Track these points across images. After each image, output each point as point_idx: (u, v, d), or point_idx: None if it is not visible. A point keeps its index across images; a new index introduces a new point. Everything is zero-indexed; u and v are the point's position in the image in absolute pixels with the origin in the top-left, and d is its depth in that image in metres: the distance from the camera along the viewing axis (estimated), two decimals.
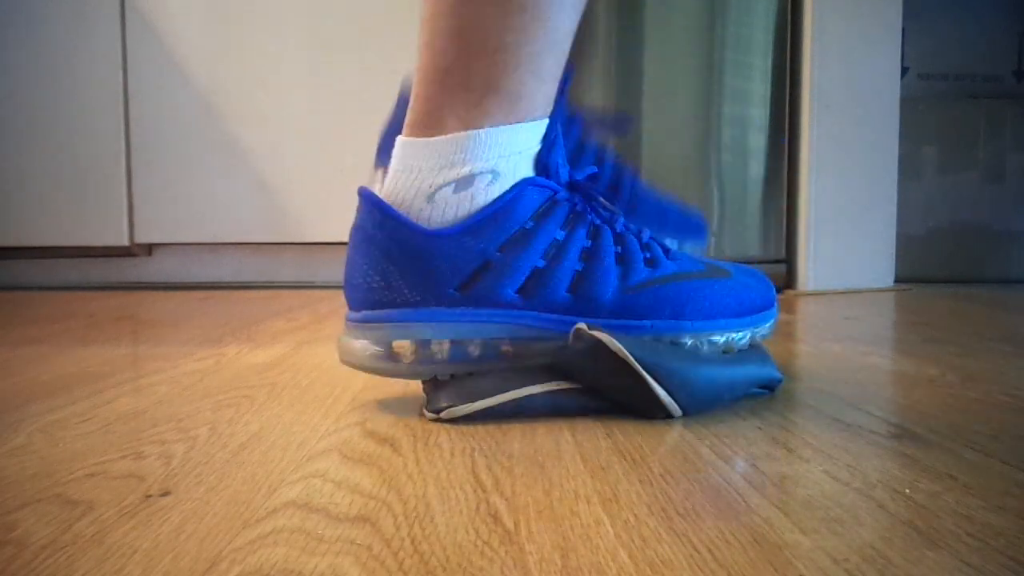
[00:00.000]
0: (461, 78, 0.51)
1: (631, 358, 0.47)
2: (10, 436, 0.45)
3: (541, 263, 0.50)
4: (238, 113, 1.52)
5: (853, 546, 0.29)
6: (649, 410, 0.49)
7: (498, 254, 0.49)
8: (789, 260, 1.49)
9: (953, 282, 1.65)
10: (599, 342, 0.47)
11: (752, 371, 0.53)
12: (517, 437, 0.45)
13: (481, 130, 0.50)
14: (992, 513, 0.32)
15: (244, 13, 1.51)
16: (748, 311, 0.54)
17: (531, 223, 0.50)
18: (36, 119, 1.51)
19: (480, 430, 0.46)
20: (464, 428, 0.47)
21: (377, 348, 0.50)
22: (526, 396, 0.49)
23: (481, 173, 0.50)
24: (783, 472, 0.38)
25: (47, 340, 0.84)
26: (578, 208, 0.52)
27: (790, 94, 1.47)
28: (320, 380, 0.61)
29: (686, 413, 0.49)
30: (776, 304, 0.57)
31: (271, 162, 1.53)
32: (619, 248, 0.52)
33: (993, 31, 1.72)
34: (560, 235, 0.51)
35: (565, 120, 0.65)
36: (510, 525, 0.31)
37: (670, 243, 0.60)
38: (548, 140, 0.52)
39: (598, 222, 0.53)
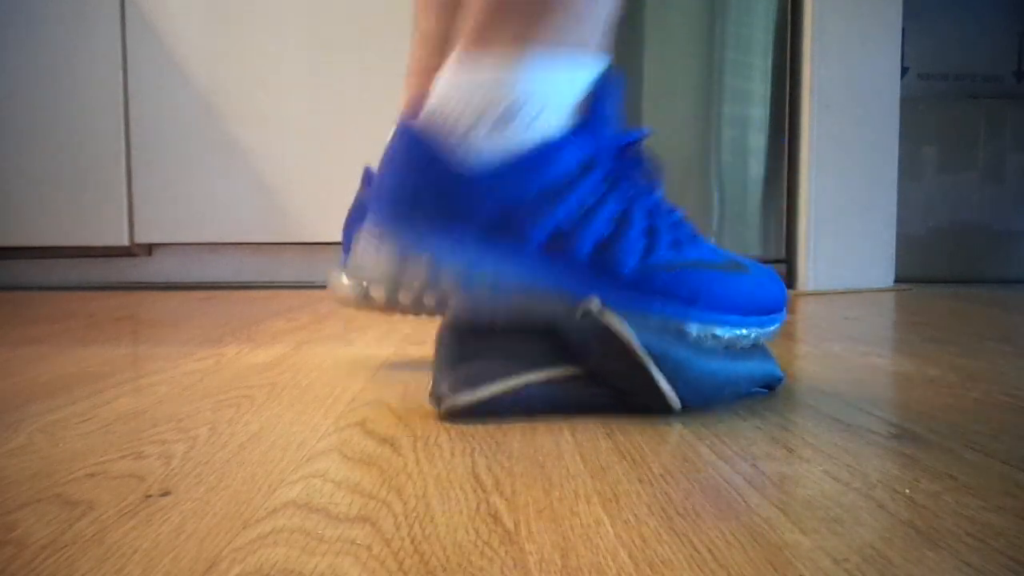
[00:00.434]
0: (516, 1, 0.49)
1: (636, 344, 0.47)
2: (10, 436, 0.45)
3: (568, 220, 0.49)
4: (238, 113, 1.52)
5: (853, 546, 0.29)
6: (648, 398, 0.48)
7: (528, 199, 0.48)
8: (789, 260, 1.49)
9: (953, 282, 1.65)
10: (604, 325, 0.47)
11: (754, 368, 0.53)
12: (517, 437, 0.45)
13: (527, 55, 0.48)
14: (992, 513, 0.32)
15: (244, 13, 1.51)
16: (757, 310, 0.53)
17: (567, 179, 0.49)
18: (36, 119, 1.51)
19: (480, 430, 0.46)
20: (464, 428, 0.47)
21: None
22: (525, 385, 0.49)
23: (522, 108, 0.48)
24: (783, 472, 0.38)
25: (47, 340, 0.84)
26: (618, 172, 0.51)
27: (790, 94, 1.47)
28: (320, 380, 0.61)
29: (685, 405, 0.49)
30: (785, 307, 0.56)
31: (271, 162, 1.53)
32: (649, 222, 0.51)
33: (993, 31, 1.72)
34: (593, 198, 0.50)
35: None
36: (510, 525, 0.31)
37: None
38: (603, 90, 0.50)
39: (634, 191, 0.52)
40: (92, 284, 1.59)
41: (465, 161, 0.48)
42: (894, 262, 1.49)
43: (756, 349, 0.54)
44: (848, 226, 1.46)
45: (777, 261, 1.48)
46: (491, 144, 0.48)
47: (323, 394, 0.56)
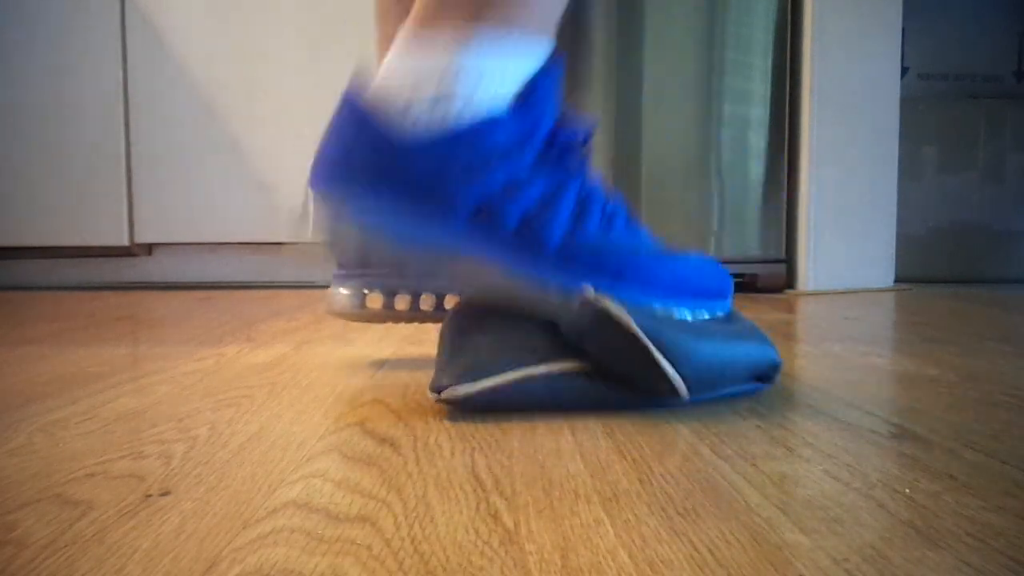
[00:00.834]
0: None
1: (634, 326, 0.47)
2: (10, 436, 0.45)
3: (498, 188, 0.50)
4: (238, 113, 1.52)
5: (853, 546, 0.29)
6: (653, 384, 0.48)
7: (457, 171, 0.50)
8: (789, 260, 1.49)
9: (953, 282, 1.65)
10: (604, 311, 0.47)
11: (752, 351, 0.53)
12: (517, 437, 0.45)
13: (470, 35, 0.50)
14: (992, 513, 0.32)
15: (244, 13, 1.51)
16: (690, 293, 0.53)
17: (498, 152, 0.51)
18: (36, 119, 1.51)
19: (480, 430, 0.46)
20: (464, 428, 0.47)
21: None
22: (526, 377, 0.49)
23: (460, 89, 0.50)
24: (783, 472, 0.38)
25: (47, 340, 0.84)
26: (553, 154, 0.53)
27: (790, 94, 1.47)
28: (320, 380, 0.61)
29: (690, 389, 0.49)
30: (730, 299, 0.56)
31: (271, 162, 1.53)
32: (580, 203, 0.53)
33: (993, 31, 1.72)
34: (524, 175, 0.51)
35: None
36: (510, 525, 0.31)
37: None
38: (542, 73, 0.52)
39: (565, 174, 0.53)
40: (92, 284, 1.59)
41: (401, 131, 0.50)
42: (894, 262, 1.50)
43: (754, 331, 0.54)
44: (848, 226, 1.46)
45: (777, 261, 1.48)
46: (427, 117, 0.50)
47: (323, 394, 0.56)
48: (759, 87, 1.46)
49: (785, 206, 1.48)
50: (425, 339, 0.83)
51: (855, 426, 0.47)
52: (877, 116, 1.46)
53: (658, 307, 0.52)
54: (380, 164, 0.51)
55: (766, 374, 0.55)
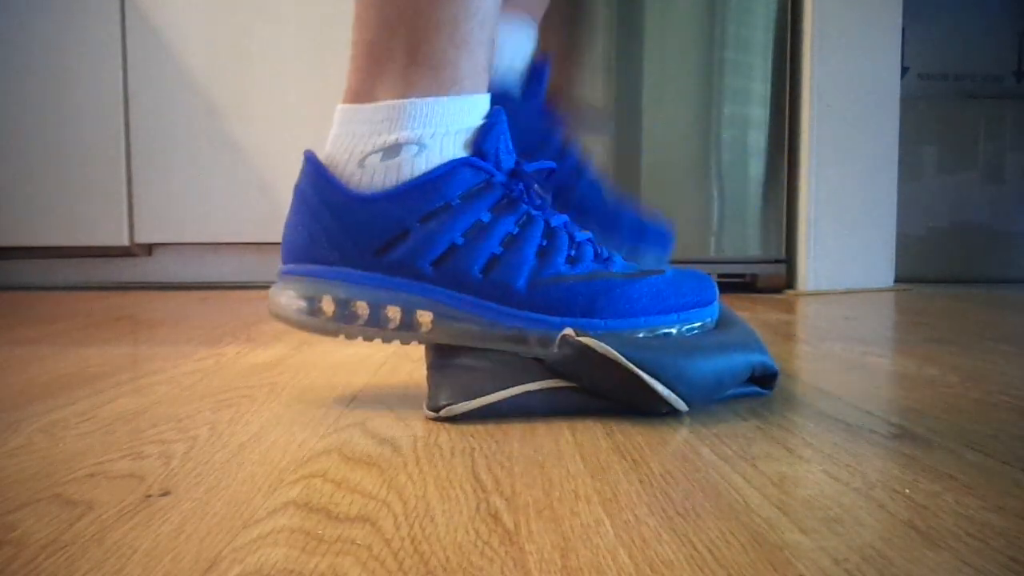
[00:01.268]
0: (386, 48, 0.52)
1: (621, 358, 0.47)
2: (10, 436, 0.45)
3: (460, 240, 0.51)
4: (238, 113, 1.52)
5: (853, 546, 0.29)
6: (651, 406, 0.49)
7: (418, 225, 0.51)
8: (789, 260, 1.49)
9: (953, 282, 1.65)
10: (586, 346, 0.48)
11: (746, 358, 0.52)
12: (517, 437, 0.45)
13: (407, 100, 0.52)
14: (992, 513, 0.32)
15: (245, 13, 1.51)
16: (672, 308, 0.53)
17: (458, 201, 0.51)
18: (36, 119, 1.51)
19: (480, 430, 0.46)
20: (464, 428, 0.47)
21: (300, 302, 0.53)
22: (524, 393, 0.49)
23: (408, 143, 0.51)
24: (783, 472, 0.38)
25: (47, 340, 0.84)
26: (514, 195, 0.53)
27: (790, 94, 1.47)
28: (320, 380, 0.61)
29: (690, 404, 0.49)
30: (715, 304, 0.56)
31: (271, 162, 1.53)
32: (545, 241, 0.53)
33: (993, 31, 1.72)
34: (486, 217, 0.51)
35: (542, 114, 0.65)
36: (510, 525, 0.31)
37: (625, 249, 0.61)
38: (486, 125, 0.53)
39: (533, 213, 0.53)
40: (92, 284, 1.59)
41: (356, 194, 0.51)
42: (894, 262, 1.49)
43: (747, 340, 0.54)
44: (848, 226, 1.46)
45: (777, 261, 1.48)
46: (380, 175, 0.51)
47: (323, 394, 0.56)
48: (759, 87, 1.46)
49: (785, 206, 1.48)
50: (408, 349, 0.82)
51: (855, 426, 0.47)
52: (877, 116, 1.46)
53: (642, 329, 0.52)
54: (341, 230, 0.51)
55: (763, 381, 0.55)
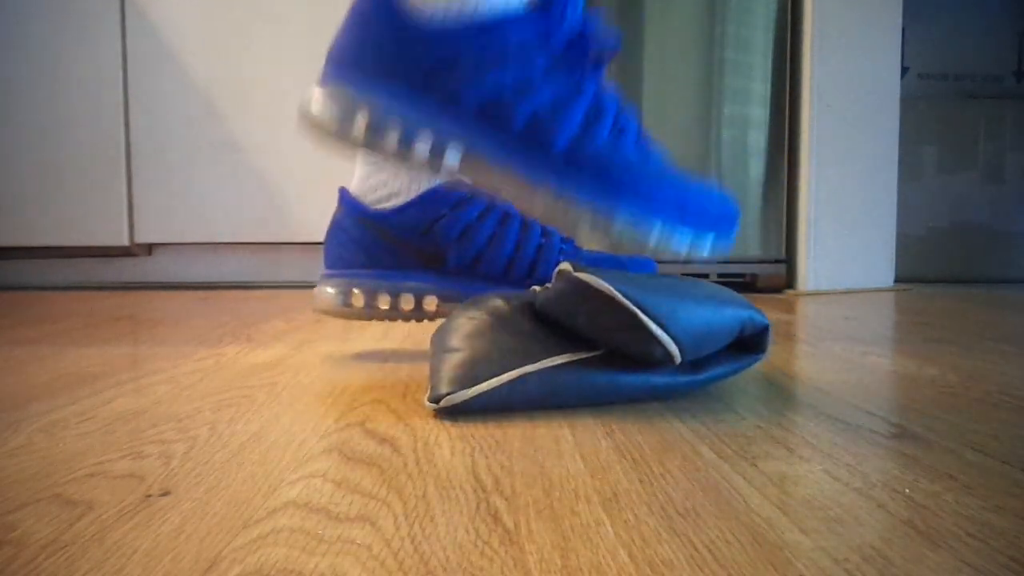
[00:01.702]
0: None
1: (617, 294, 0.47)
2: (10, 436, 0.45)
3: (509, 90, 0.50)
4: (239, 113, 1.52)
5: (853, 546, 0.29)
6: (645, 348, 0.48)
7: (469, 60, 0.50)
8: (789, 260, 1.49)
9: (953, 282, 1.65)
10: (583, 281, 0.48)
11: (737, 312, 0.52)
12: (517, 437, 0.45)
13: None
14: (992, 513, 0.32)
15: (245, 13, 1.51)
16: (693, 216, 0.53)
17: (513, 47, 0.50)
18: (36, 119, 1.51)
19: (480, 430, 0.46)
20: (464, 428, 0.47)
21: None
22: (520, 377, 0.49)
23: None
24: (783, 472, 0.38)
25: (47, 340, 0.84)
26: (570, 56, 0.52)
27: (790, 94, 1.47)
28: (320, 380, 0.61)
29: (682, 352, 0.48)
30: (733, 232, 0.56)
31: (271, 162, 1.53)
32: (593, 106, 0.52)
33: (993, 31, 1.72)
34: (538, 72, 0.51)
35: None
36: (510, 525, 0.31)
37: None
38: None
39: (582, 78, 0.53)
40: (92, 284, 1.59)
41: (417, 20, 0.51)
42: (894, 262, 1.50)
43: (736, 298, 0.53)
44: (848, 226, 1.46)
45: (777, 261, 1.48)
46: (444, 7, 0.50)
47: (323, 394, 0.56)
48: (759, 87, 1.46)
49: (785, 206, 1.48)
50: (425, 339, 0.83)
51: (855, 426, 0.47)
52: (877, 116, 1.46)
53: (658, 227, 0.52)
54: (394, 52, 0.51)
55: (755, 337, 0.53)
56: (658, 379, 0.51)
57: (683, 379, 0.51)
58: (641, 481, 0.37)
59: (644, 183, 0.51)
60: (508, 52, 0.50)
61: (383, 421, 0.48)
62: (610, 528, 0.31)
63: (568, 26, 0.52)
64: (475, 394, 0.48)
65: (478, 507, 0.33)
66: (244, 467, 0.39)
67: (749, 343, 0.54)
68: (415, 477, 0.38)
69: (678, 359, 0.49)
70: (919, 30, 1.69)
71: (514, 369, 0.49)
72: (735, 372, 0.54)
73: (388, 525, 0.31)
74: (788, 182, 1.48)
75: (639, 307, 0.47)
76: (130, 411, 0.51)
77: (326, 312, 0.69)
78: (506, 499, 0.34)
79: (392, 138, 0.51)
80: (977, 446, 0.42)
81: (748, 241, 1.48)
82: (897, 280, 1.51)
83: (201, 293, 1.45)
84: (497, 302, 0.55)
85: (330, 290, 0.68)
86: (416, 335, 0.86)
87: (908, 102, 1.57)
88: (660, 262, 0.69)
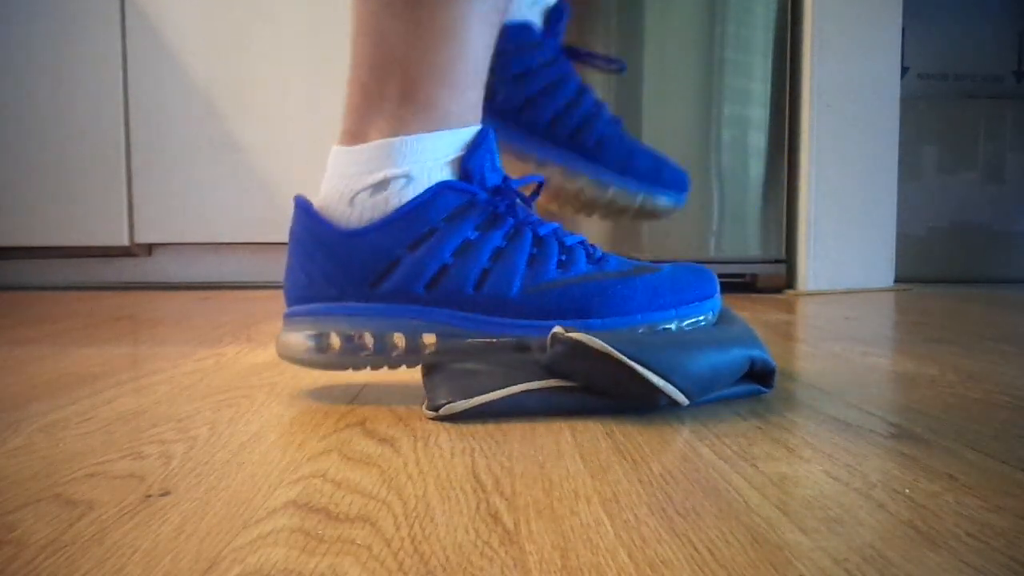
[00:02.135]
0: (378, 90, 0.54)
1: (612, 350, 0.47)
2: (10, 436, 0.45)
3: (450, 261, 0.52)
4: (239, 113, 1.52)
5: (853, 546, 0.29)
6: (648, 399, 0.48)
7: (407, 252, 0.52)
8: (789, 260, 1.49)
9: (953, 282, 1.65)
10: (578, 343, 0.48)
11: (744, 352, 0.52)
12: (517, 437, 0.45)
13: (396, 139, 0.53)
14: (992, 513, 0.32)
15: (244, 13, 1.51)
16: (670, 304, 0.54)
17: (443, 224, 0.52)
18: (36, 119, 1.51)
19: (480, 430, 0.46)
20: (464, 428, 0.47)
21: (308, 341, 0.54)
22: (523, 392, 0.49)
23: (395, 177, 0.53)
24: (783, 472, 0.38)
25: (47, 340, 0.84)
26: (499, 211, 0.54)
27: (790, 94, 1.47)
28: (320, 380, 0.61)
29: (689, 397, 0.48)
30: (716, 298, 0.57)
31: (271, 162, 1.53)
32: (536, 250, 0.54)
33: (993, 31, 1.72)
34: (473, 235, 0.52)
35: (561, 53, 0.66)
36: (510, 525, 0.31)
37: (641, 196, 0.64)
38: (473, 146, 0.54)
39: (520, 225, 0.54)
40: (92, 284, 1.59)
41: (346, 229, 0.53)
42: (894, 262, 1.49)
43: (745, 336, 0.54)
44: (848, 226, 1.46)
45: (777, 261, 1.48)
46: (369, 210, 0.53)
47: (323, 394, 0.56)
48: (759, 87, 1.46)
49: (785, 206, 1.48)
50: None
51: (855, 426, 0.47)
52: (877, 116, 1.46)
53: (641, 326, 0.53)
54: (336, 269, 0.53)
55: (762, 377, 0.54)
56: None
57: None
58: (641, 481, 0.37)
59: (608, 297, 0.53)
60: (439, 227, 0.52)
61: (383, 421, 0.48)
62: (610, 528, 0.31)
63: (490, 180, 0.54)
64: (475, 404, 0.48)
65: (478, 507, 0.33)
66: (244, 467, 0.39)
67: (758, 377, 0.54)
68: (415, 477, 0.38)
69: (685, 404, 0.49)
70: (919, 30, 1.69)
71: (517, 384, 0.49)
72: (738, 395, 0.54)
73: (388, 525, 0.31)
74: (788, 182, 1.48)
75: (638, 362, 0.47)
76: (130, 411, 0.51)
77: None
78: (506, 499, 0.34)
79: (367, 347, 0.53)
80: (977, 446, 0.42)
81: (748, 241, 1.48)
82: (897, 280, 1.51)
83: (201, 293, 1.45)
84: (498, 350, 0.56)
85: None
86: None
87: (908, 102, 1.57)
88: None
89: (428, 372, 0.53)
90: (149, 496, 0.35)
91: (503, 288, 0.52)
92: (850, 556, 0.28)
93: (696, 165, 1.46)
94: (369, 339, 0.52)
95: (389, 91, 0.54)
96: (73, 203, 1.52)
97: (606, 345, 0.47)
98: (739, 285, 1.48)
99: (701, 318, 0.55)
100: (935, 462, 0.39)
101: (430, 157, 0.53)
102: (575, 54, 0.70)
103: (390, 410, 0.51)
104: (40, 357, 0.73)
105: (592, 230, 1.43)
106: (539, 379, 0.49)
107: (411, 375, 0.63)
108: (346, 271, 0.53)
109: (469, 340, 0.52)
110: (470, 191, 0.53)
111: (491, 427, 0.47)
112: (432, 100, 0.53)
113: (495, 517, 0.32)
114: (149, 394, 0.56)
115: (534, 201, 0.57)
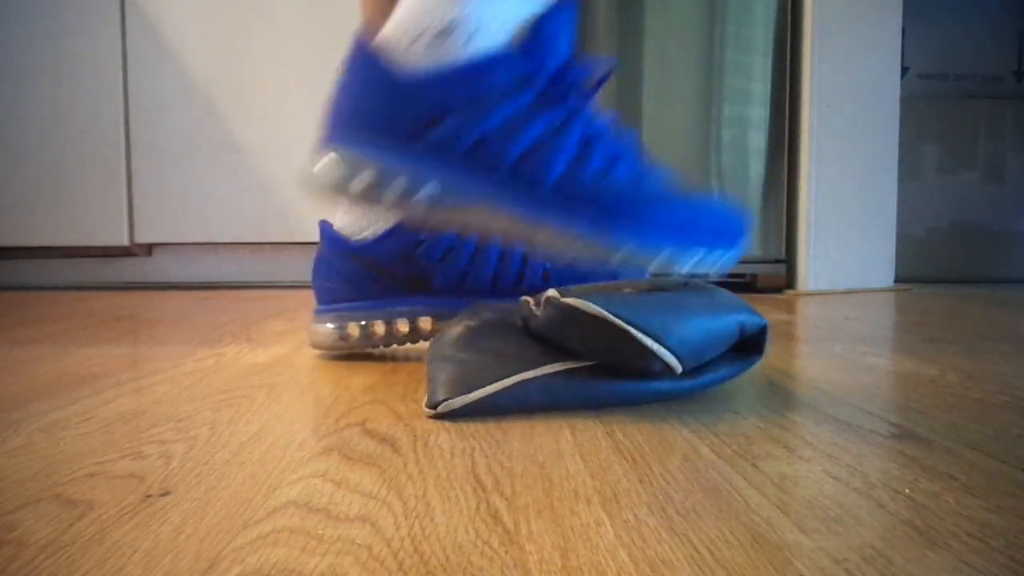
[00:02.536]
0: None
1: (606, 313, 0.47)
2: (10, 436, 0.45)
3: (496, 130, 0.51)
4: (239, 113, 1.52)
5: (853, 546, 0.29)
6: (643, 364, 0.48)
7: (457, 109, 0.51)
8: (789, 260, 1.49)
9: (953, 282, 1.65)
10: (571, 306, 0.47)
11: (735, 316, 0.51)
12: (517, 437, 0.45)
13: None
14: (992, 513, 0.32)
15: (244, 13, 1.51)
16: (699, 236, 0.53)
17: (498, 91, 0.51)
18: (36, 119, 1.51)
19: (480, 430, 0.46)
20: (464, 428, 0.47)
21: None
22: (518, 383, 0.49)
23: (462, 23, 0.51)
24: (783, 472, 0.38)
25: (47, 340, 0.84)
26: (555, 95, 0.53)
27: (790, 94, 1.47)
28: (320, 380, 0.61)
29: (682, 363, 0.48)
30: (741, 244, 0.56)
31: (271, 161, 1.53)
32: (584, 138, 0.52)
33: (993, 31, 1.72)
34: (524, 112, 0.52)
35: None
36: (510, 525, 0.31)
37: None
38: (553, 8, 0.52)
39: (571, 111, 0.53)
40: (92, 284, 1.59)
41: (402, 69, 0.52)
42: (894, 262, 1.50)
43: (732, 302, 0.53)
44: (848, 226, 1.46)
45: (777, 261, 1.48)
46: (430, 54, 0.51)
47: (323, 394, 0.56)
48: (759, 87, 1.46)
49: (785, 206, 1.48)
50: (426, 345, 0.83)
51: (855, 426, 0.47)
52: (877, 116, 1.46)
53: (666, 252, 0.52)
54: (387, 110, 0.52)
55: (753, 337, 0.53)
56: (659, 385, 0.50)
57: (685, 384, 0.51)
58: (641, 481, 0.37)
59: (644, 209, 0.51)
60: (494, 92, 0.51)
61: (383, 421, 0.48)
62: (610, 528, 0.31)
63: (552, 62, 0.53)
64: (473, 399, 0.48)
65: (478, 507, 0.33)
66: (244, 467, 0.39)
67: (749, 344, 0.54)
68: (415, 477, 0.38)
69: (679, 369, 0.49)
70: (919, 30, 1.69)
71: (513, 375, 0.49)
72: (735, 375, 0.54)
73: (388, 525, 0.31)
74: (788, 182, 1.48)
75: (631, 325, 0.47)
76: (130, 411, 0.51)
77: (324, 348, 0.69)
78: (506, 499, 0.34)
79: (394, 191, 0.53)
80: (977, 446, 0.42)
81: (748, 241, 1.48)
82: (897, 280, 1.51)
83: (201, 293, 1.45)
84: (491, 313, 0.55)
85: (325, 326, 0.68)
86: None
87: (908, 102, 1.58)
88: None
89: (430, 363, 0.53)
90: (149, 496, 0.35)
91: (540, 174, 0.51)
92: (850, 556, 0.28)
93: (696, 165, 1.47)
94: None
95: None
96: (73, 203, 1.52)
97: (600, 309, 0.47)
98: (739, 285, 1.48)
99: (720, 262, 0.55)
100: (935, 462, 0.39)
101: (506, 8, 0.51)
102: None
103: (390, 410, 0.51)
104: (40, 357, 0.73)
105: None
106: (536, 367, 0.49)
107: (411, 375, 0.63)
108: (397, 110, 0.52)
109: (481, 206, 0.52)
110: (533, 67, 0.52)
111: (491, 427, 0.47)
112: None
113: (495, 517, 0.32)
114: (149, 394, 0.56)
115: (598, 89, 0.56)
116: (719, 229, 0.54)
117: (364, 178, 0.53)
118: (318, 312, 0.68)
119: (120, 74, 1.51)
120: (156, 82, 1.51)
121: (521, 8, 0.52)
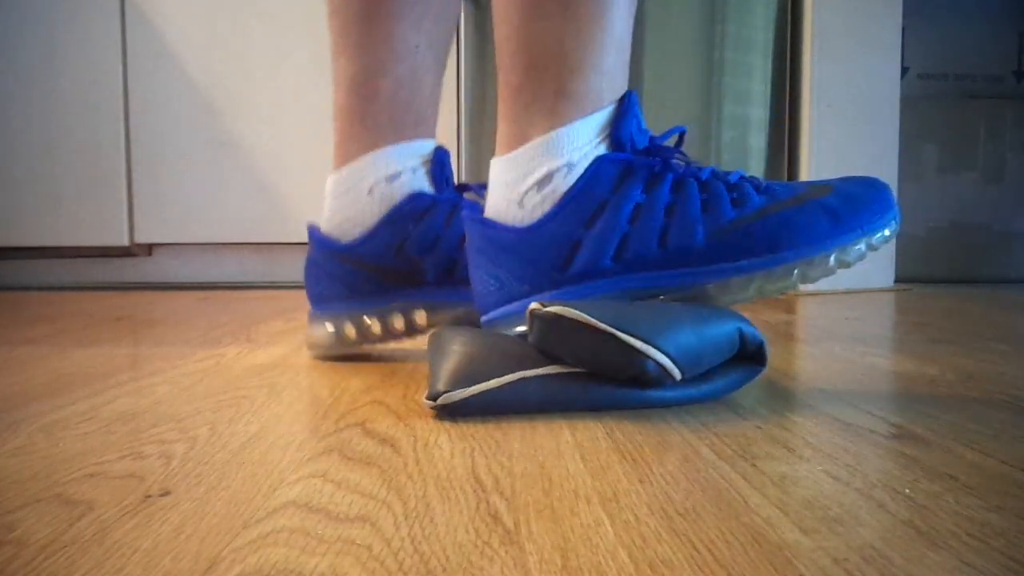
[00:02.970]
0: (532, 91, 0.55)
1: (591, 319, 0.47)
2: (10, 436, 0.45)
3: (628, 228, 0.53)
4: (238, 112, 1.52)
5: (853, 546, 0.29)
6: (635, 369, 0.48)
7: (586, 231, 0.53)
8: None
9: (953, 282, 1.65)
10: (555, 315, 0.48)
11: (731, 323, 0.51)
12: (517, 437, 0.45)
13: (553, 132, 0.54)
14: (992, 513, 0.32)
15: (245, 13, 1.51)
16: (852, 226, 0.53)
17: (610, 195, 0.53)
18: (36, 118, 1.51)
19: (480, 430, 0.46)
20: (464, 428, 0.47)
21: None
22: (520, 380, 0.49)
23: (557, 169, 0.54)
24: (783, 472, 0.38)
25: (46, 340, 0.84)
26: (657, 169, 0.54)
27: (790, 94, 1.47)
28: (320, 380, 0.61)
29: (680, 368, 0.48)
30: (895, 207, 0.56)
31: (271, 161, 1.53)
32: (705, 195, 0.54)
33: (993, 31, 1.72)
34: (642, 198, 0.53)
35: (456, 206, 0.69)
36: (510, 525, 0.31)
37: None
38: (618, 115, 0.55)
39: (680, 176, 0.55)
40: (91, 284, 1.59)
41: (522, 222, 0.55)
42: (894, 262, 1.49)
43: (724, 312, 0.53)
44: None
45: None
46: (540, 202, 0.55)
47: (323, 394, 0.56)
48: (759, 87, 1.46)
49: None
50: (424, 339, 0.83)
51: (855, 426, 0.47)
52: (877, 116, 1.46)
53: (833, 252, 0.53)
54: (523, 261, 0.55)
55: (752, 350, 0.53)
56: (663, 394, 0.50)
57: (690, 392, 0.51)
58: (641, 481, 0.37)
59: (794, 223, 0.53)
60: (609, 200, 0.53)
61: (383, 421, 0.48)
62: (610, 528, 0.31)
63: (639, 142, 0.55)
64: (473, 393, 0.48)
65: (478, 507, 0.33)
66: (244, 467, 0.39)
67: (751, 355, 0.53)
68: (415, 477, 0.38)
69: (678, 375, 0.48)
70: (919, 30, 1.69)
71: (513, 372, 0.49)
72: (738, 386, 0.54)
73: (388, 525, 0.31)
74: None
75: (619, 329, 0.47)
76: (130, 411, 0.51)
77: (321, 349, 0.69)
78: (506, 499, 0.34)
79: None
80: (977, 446, 0.42)
81: None
82: (897, 280, 1.51)
83: (201, 293, 1.45)
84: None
85: (320, 329, 0.68)
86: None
87: (908, 102, 1.58)
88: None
89: (431, 355, 0.53)
90: (149, 496, 0.35)
91: (687, 239, 0.52)
92: (850, 556, 0.28)
93: None
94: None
95: (545, 90, 0.55)
96: (73, 203, 1.52)
97: (581, 314, 0.47)
98: None
99: (887, 231, 0.55)
100: (935, 462, 0.39)
101: (586, 140, 0.54)
102: (467, 188, 0.70)
103: (390, 410, 0.51)
104: (40, 357, 0.73)
105: None
106: (537, 366, 0.49)
107: (411, 375, 0.63)
108: (535, 265, 0.54)
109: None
110: (625, 158, 0.54)
111: (491, 427, 0.47)
112: (586, 88, 0.54)
113: (495, 517, 0.32)
114: (149, 394, 0.56)
115: (679, 150, 0.58)
116: (864, 202, 0.54)
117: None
118: (313, 315, 0.69)
119: (120, 74, 1.51)
120: (156, 82, 1.51)
121: (599, 129, 0.55)
